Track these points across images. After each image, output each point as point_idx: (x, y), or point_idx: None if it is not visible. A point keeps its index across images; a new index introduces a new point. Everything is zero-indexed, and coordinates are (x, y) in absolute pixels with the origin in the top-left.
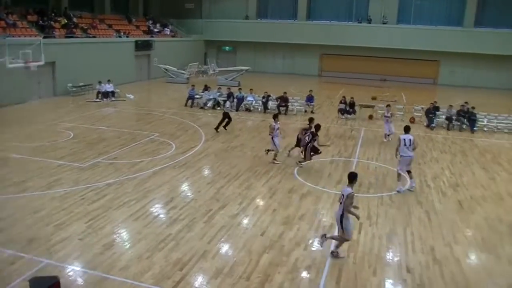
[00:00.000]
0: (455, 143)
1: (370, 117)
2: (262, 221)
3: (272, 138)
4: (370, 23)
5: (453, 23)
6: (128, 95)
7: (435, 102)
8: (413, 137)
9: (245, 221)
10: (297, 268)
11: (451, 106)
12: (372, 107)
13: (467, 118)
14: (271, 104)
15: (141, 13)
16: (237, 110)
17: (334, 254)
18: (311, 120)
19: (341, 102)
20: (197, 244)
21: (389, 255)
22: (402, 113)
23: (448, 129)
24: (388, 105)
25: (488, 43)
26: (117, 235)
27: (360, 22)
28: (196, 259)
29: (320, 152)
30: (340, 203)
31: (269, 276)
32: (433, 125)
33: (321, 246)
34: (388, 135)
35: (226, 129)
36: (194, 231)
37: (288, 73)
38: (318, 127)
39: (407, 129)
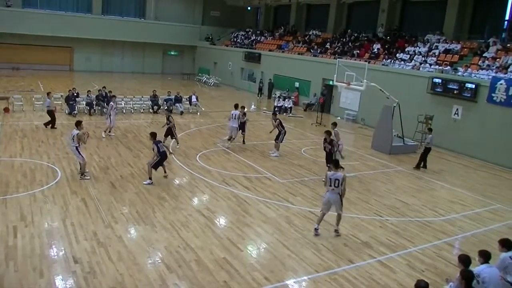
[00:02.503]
0: (98, 127)
1: (6, 110)
2: None
3: (77, 148)
4: None
5: (82, 10)
6: None
7: (74, 88)
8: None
9: None
10: None
11: (89, 91)
12: (7, 98)
13: (106, 102)
14: None
15: None
16: None
17: (338, 232)
18: None
19: None
20: None
21: (53, 252)
22: (41, 103)
23: (90, 115)
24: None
25: (116, 30)
26: None
27: None
28: None
29: None
30: (336, 187)
31: None
32: (75, 112)
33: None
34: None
35: None
36: None
37: None
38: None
39: (236, 107)
